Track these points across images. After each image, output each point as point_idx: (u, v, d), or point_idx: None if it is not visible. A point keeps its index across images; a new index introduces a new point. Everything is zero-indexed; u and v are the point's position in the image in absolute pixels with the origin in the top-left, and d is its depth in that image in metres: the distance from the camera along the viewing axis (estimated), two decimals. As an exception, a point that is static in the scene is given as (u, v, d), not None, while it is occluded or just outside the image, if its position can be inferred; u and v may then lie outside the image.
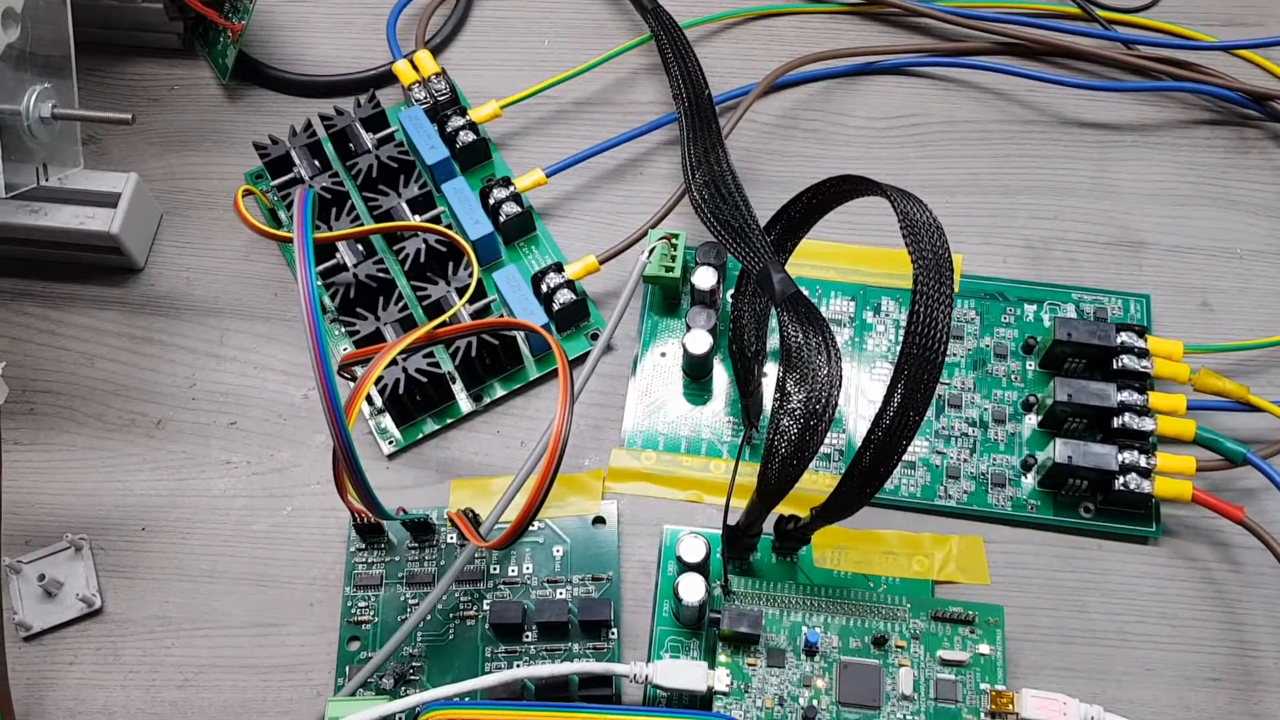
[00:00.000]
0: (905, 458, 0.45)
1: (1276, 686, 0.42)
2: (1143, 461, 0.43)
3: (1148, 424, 0.43)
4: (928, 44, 0.55)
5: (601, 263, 0.48)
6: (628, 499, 0.46)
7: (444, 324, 0.43)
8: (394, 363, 0.44)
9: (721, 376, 0.48)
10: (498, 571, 0.44)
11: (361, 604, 0.44)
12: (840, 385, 0.36)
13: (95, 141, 0.54)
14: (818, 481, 0.46)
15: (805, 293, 0.39)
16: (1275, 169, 0.52)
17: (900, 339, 0.48)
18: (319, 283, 0.48)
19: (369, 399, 0.47)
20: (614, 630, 0.43)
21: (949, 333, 0.34)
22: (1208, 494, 0.43)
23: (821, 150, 0.53)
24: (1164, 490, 0.43)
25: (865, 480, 0.37)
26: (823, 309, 0.49)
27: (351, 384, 0.40)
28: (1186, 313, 0.49)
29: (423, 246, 0.47)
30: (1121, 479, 0.43)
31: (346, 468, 0.36)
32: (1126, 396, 0.44)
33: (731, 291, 0.48)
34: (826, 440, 0.46)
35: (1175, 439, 0.44)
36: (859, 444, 0.46)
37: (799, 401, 0.36)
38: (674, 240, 0.48)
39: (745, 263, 0.42)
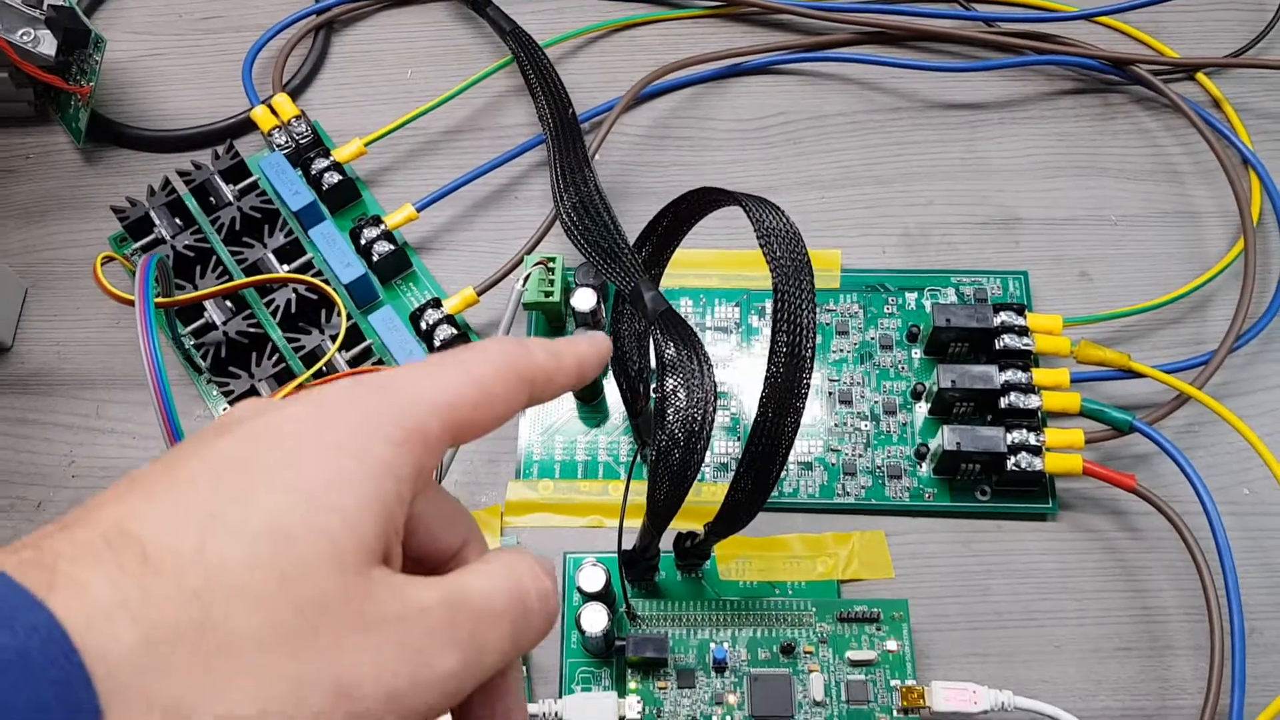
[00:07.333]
0: (801, 458, 0.45)
1: (1185, 649, 0.42)
2: (1032, 439, 0.43)
3: (1034, 401, 0.44)
4: (790, 40, 0.55)
5: (480, 293, 0.47)
6: (528, 532, 0.45)
7: (316, 376, 0.42)
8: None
9: (615, 395, 0.47)
10: (400, 621, 0.43)
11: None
12: (715, 400, 0.35)
13: (-50, 220, 0.52)
14: (718, 492, 0.45)
15: (675, 309, 0.38)
16: (1141, 132, 0.53)
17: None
18: (192, 343, 0.47)
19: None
20: (523, 669, 0.42)
21: (815, 332, 0.33)
22: (1099, 465, 0.43)
23: (695, 157, 0.53)
24: (1055, 466, 0.43)
25: (753, 491, 0.36)
26: (706, 317, 0.48)
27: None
28: (1066, 284, 0.49)
29: (293, 296, 0.46)
30: (1013, 459, 0.43)
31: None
32: (1010, 376, 0.44)
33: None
34: (723, 449, 0.46)
35: (1062, 413, 0.44)
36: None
37: (678, 421, 0.35)
38: (550, 264, 0.47)
39: (617, 283, 0.41)
